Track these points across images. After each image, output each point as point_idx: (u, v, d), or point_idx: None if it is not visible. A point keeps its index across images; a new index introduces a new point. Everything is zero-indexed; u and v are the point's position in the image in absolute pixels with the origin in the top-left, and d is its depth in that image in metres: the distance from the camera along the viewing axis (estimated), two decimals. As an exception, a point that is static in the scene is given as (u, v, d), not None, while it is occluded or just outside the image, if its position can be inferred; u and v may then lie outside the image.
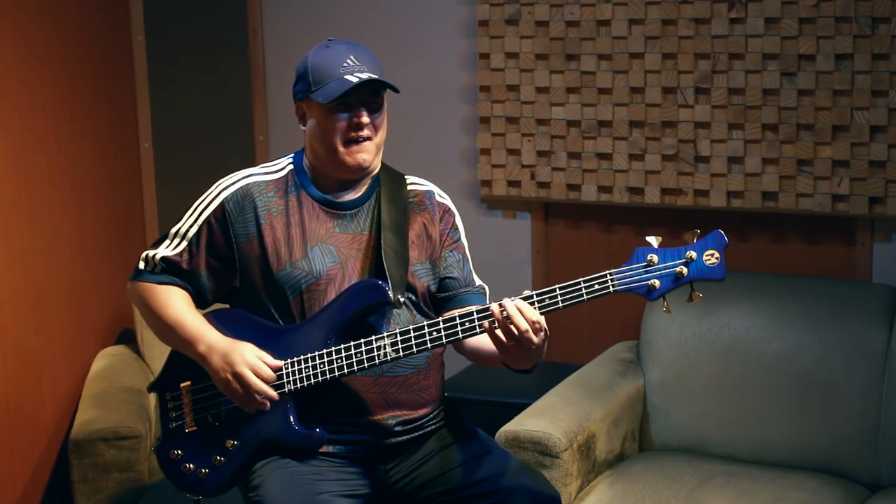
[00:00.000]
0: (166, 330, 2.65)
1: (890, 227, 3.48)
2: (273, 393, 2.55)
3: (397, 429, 2.61)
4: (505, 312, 2.41)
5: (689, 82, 3.58)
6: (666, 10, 3.57)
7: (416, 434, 2.65)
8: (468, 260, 2.76)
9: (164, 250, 2.66)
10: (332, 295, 2.59)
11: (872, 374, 3.22)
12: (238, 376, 2.55)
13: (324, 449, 2.59)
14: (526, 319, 2.41)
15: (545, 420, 3.11)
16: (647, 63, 3.62)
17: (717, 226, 3.65)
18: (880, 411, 3.21)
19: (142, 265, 2.68)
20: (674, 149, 3.63)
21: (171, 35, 4.17)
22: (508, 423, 3.12)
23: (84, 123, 3.87)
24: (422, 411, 2.65)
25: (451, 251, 2.73)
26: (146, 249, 2.70)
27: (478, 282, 2.76)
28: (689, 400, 3.40)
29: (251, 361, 2.54)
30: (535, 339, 2.42)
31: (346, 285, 2.59)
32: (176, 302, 2.64)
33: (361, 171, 2.62)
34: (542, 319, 2.43)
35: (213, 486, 2.64)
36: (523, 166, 3.83)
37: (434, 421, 2.68)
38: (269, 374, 2.55)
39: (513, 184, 3.86)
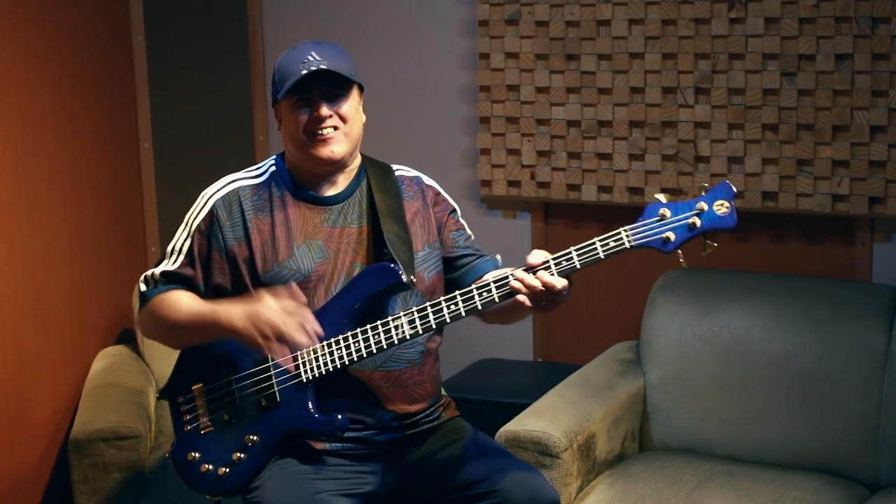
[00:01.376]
0: (185, 330, 2.62)
1: (890, 227, 3.48)
2: (311, 322, 2.48)
3: (393, 424, 2.61)
4: (534, 288, 2.40)
5: (689, 82, 3.58)
6: (666, 10, 3.57)
7: (413, 431, 2.65)
8: (471, 235, 2.77)
9: (164, 267, 2.66)
10: (321, 292, 2.59)
11: (872, 374, 3.22)
12: (265, 323, 2.47)
13: (321, 446, 2.60)
14: (551, 283, 2.40)
15: (545, 420, 3.11)
16: (647, 63, 3.62)
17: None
18: (880, 411, 3.21)
19: (143, 287, 2.68)
20: (674, 149, 3.63)
21: (171, 35, 4.17)
22: (508, 423, 3.12)
23: (84, 123, 3.87)
24: (416, 407, 2.65)
25: (455, 231, 2.73)
26: (144, 272, 2.71)
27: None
28: (689, 400, 3.40)
29: (277, 304, 2.47)
30: (564, 291, 2.42)
31: (336, 280, 2.59)
32: (184, 300, 2.62)
33: (332, 162, 2.61)
34: (560, 281, 2.41)
35: (234, 484, 2.61)
36: (523, 166, 3.83)
37: (430, 418, 2.68)
38: (296, 305, 2.48)
39: (513, 184, 3.85)
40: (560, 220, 3.87)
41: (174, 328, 2.65)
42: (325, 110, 2.58)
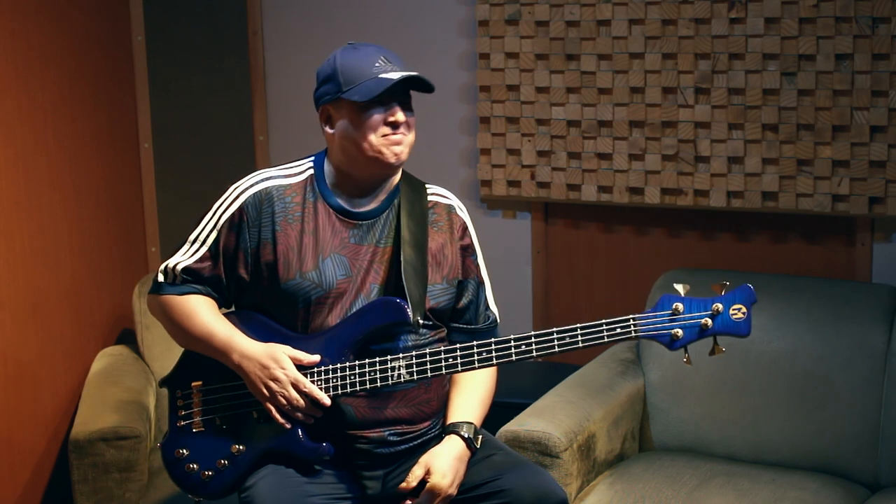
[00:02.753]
0: (195, 342, 2.61)
1: (890, 227, 3.48)
2: (323, 399, 2.52)
3: (393, 439, 2.60)
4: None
5: (689, 82, 3.58)
6: (666, 10, 3.57)
7: (415, 443, 2.64)
8: (483, 283, 2.74)
9: (184, 258, 2.61)
10: (337, 308, 2.56)
11: (872, 374, 3.21)
12: (276, 390, 2.52)
13: None
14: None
15: (545, 420, 3.11)
16: (647, 63, 3.62)
17: (717, 225, 3.68)
18: (880, 411, 3.21)
19: (161, 277, 2.64)
20: (674, 149, 3.63)
21: (171, 35, 4.17)
22: (508, 423, 3.12)
23: (84, 123, 3.87)
24: (422, 425, 2.64)
25: (467, 280, 2.70)
26: (165, 260, 2.66)
27: (491, 307, 2.74)
28: (689, 400, 3.40)
29: (293, 376, 2.51)
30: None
31: (355, 298, 2.56)
32: (201, 312, 2.60)
33: (398, 163, 2.56)
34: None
35: (216, 490, 2.62)
36: (523, 166, 3.83)
37: (435, 430, 2.68)
38: (311, 387, 2.51)
39: (513, 184, 3.85)
40: (560, 220, 3.87)
41: (183, 335, 2.63)
42: (401, 116, 2.53)
